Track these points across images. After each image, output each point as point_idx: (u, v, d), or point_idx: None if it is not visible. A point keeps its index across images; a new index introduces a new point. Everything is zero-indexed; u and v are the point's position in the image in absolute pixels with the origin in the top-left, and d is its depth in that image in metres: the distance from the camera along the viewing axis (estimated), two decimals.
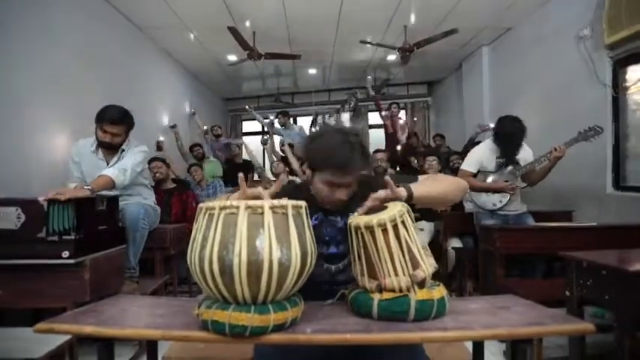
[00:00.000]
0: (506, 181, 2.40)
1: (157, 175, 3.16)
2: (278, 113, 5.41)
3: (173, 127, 4.71)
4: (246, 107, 5.42)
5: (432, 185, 1.03)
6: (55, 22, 2.79)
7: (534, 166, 2.39)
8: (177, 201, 3.12)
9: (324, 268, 1.02)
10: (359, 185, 1.04)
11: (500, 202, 2.44)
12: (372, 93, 5.73)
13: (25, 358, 1.16)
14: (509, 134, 2.39)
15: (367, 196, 0.94)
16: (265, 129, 5.41)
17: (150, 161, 3.23)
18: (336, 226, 1.04)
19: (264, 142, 4.95)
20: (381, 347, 0.92)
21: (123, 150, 2.08)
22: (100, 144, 2.04)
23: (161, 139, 4.48)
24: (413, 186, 0.98)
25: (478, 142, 4.19)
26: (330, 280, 1.01)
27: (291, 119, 5.91)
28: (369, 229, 0.86)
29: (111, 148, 2.05)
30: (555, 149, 2.29)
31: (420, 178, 1.13)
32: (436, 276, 0.91)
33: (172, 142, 4.72)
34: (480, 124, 4.42)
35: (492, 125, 4.30)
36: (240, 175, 0.92)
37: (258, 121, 5.68)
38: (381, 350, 0.92)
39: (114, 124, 1.97)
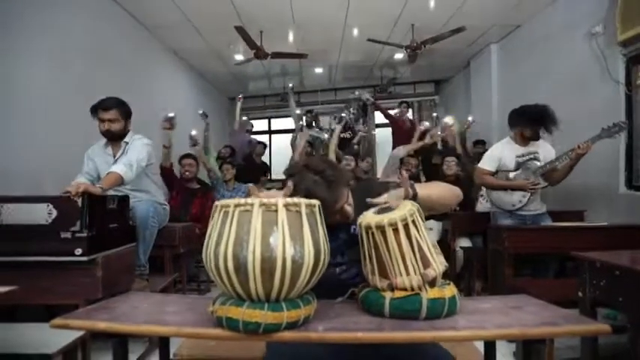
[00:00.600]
0: (527, 179, 2.34)
1: (187, 173, 3.23)
2: (307, 112, 5.36)
3: (205, 116, 4.38)
4: (289, 85, 5.17)
5: (432, 188, 1.11)
6: (61, 21, 2.81)
7: (556, 164, 2.30)
8: (199, 203, 3.19)
9: (329, 270, 1.05)
10: (358, 192, 1.09)
11: (520, 202, 2.36)
12: (369, 99, 5.51)
13: (39, 354, 1.18)
14: (536, 113, 2.27)
15: (365, 201, 0.98)
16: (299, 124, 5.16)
17: (182, 158, 3.29)
18: (339, 239, 1.08)
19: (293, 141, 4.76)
20: (394, 347, 0.92)
21: (126, 142, 2.15)
22: (104, 135, 2.12)
23: (194, 132, 4.03)
24: (417, 187, 1.04)
25: (481, 141, 4.19)
26: (335, 280, 1.07)
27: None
28: (380, 228, 0.86)
29: (114, 139, 2.12)
30: (579, 146, 2.18)
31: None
32: (444, 275, 0.91)
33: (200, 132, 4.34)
34: (468, 120, 4.48)
35: (471, 119, 4.42)
36: (251, 185, 0.96)
37: (292, 112, 5.32)
38: (393, 350, 0.93)
39: (107, 110, 2.06)
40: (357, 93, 5.75)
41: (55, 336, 1.22)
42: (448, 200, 1.14)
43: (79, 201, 1.54)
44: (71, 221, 1.52)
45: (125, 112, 2.12)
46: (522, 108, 2.37)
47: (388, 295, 0.85)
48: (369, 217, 0.90)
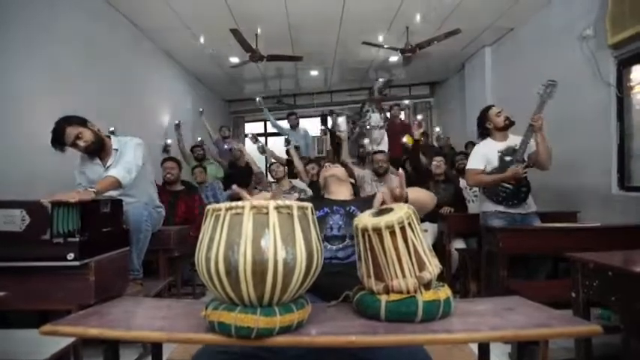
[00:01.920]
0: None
1: (168, 176, 3.20)
2: (289, 114, 5.38)
3: (177, 126, 4.66)
4: (257, 100, 5.21)
5: (417, 192, 1.21)
6: (57, 23, 2.81)
7: (527, 144, 2.29)
8: (184, 204, 3.16)
9: (327, 247, 1.24)
10: (360, 202, 1.34)
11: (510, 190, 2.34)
12: (377, 94, 5.67)
13: None
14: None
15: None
16: (274, 129, 5.30)
17: (163, 161, 3.28)
18: (338, 214, 1.31)
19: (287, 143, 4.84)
20: (375, 348, 0.92)
21: (116, 150, 2.09)
22: (90, 152, 2.03)
23: (169, 141, 4.47)
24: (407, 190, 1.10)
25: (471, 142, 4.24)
26: (331, 256, 1.21)
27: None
28: (377, 230, 0.86)
29: (100, 149, 2.04)
30: (532, 119, 2.27)
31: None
32: (439, 277, 0.91)
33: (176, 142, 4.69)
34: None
35: (438, 129, 4.61)
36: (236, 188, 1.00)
37: (266, 118, 5.40)
38: (372, 350, 0.93)
39: (63, 132, 1.95)
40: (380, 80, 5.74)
41: (46, 342, 1.21)
42: (428, 204, 1.28)
43: (49, 207, 1.47)
44: (44, 228, 1.46)
45: (75, 121, 1.97)
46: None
47: (384, 297, 0.85)
48: (365, 219, 0.90)
